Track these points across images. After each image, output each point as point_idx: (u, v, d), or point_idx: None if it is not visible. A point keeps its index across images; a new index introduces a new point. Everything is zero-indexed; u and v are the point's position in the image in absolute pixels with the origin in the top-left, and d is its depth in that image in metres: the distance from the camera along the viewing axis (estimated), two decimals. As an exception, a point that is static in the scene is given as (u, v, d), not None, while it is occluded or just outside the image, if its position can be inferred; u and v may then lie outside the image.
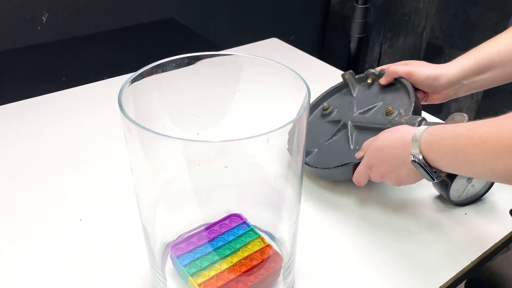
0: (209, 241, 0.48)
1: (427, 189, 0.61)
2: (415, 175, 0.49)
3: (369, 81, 0.67)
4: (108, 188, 0.61)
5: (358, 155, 0.56)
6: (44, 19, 1.11)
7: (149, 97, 0.39)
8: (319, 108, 0.69)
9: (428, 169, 0.47)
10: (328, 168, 0.59)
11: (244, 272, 0.45)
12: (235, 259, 0.46)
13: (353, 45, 1.36)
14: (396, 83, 0.65)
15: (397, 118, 0.57)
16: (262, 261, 0.46)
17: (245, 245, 0.47)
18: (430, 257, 0.51)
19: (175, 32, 1.19)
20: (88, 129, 0.73)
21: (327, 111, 0.67)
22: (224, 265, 0.45)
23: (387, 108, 0.59)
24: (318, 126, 0.67)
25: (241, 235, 0.48)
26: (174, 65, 0.39)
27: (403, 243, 0.53)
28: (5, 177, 0.62)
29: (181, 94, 0.42)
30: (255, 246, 0.47)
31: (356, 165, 0.56)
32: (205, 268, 0.45)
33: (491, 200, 0.60)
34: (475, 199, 0.59)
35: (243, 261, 0.46)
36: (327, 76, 0.90)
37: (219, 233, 0.49)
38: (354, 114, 0.63)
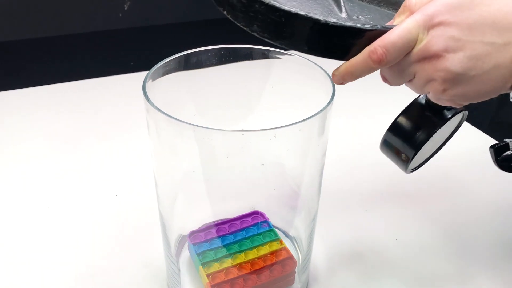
0: (228, 234, 0.48)
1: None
2: (504, 77, 0.29)
3: None
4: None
5: (396, 19, 0.32)
6: (126, 6, 1.18)
7: (177, 87, 0.40)
8: None
9: None
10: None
11: (255, 270, 0.44)
12: (249, 256, 0.45)
13: None
14: None
15: None
16: (275, 263, 0.45)
17: (262, 244, 0.47)
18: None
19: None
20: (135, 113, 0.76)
21: None
22: (237, 260, 0.45)
23: None
24: None
25: (260, 234, 0.48)
26: (208, 55, 0.39)
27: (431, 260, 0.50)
28: (60, 146, 0.67)
29: (210, 87, 0.42)
30: (272, 247, 0.47)
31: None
32: (217, 260, 0.45)
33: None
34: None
35: (256, 259, 0.45)
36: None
37: (240, 228, 0.49)
38: None
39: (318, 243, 0.51)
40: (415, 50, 0.29)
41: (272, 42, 0.29)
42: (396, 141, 0.37)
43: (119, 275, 0.48)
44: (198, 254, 0.45)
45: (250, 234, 0.48)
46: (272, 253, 0.46)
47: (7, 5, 1.05)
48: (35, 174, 0.61)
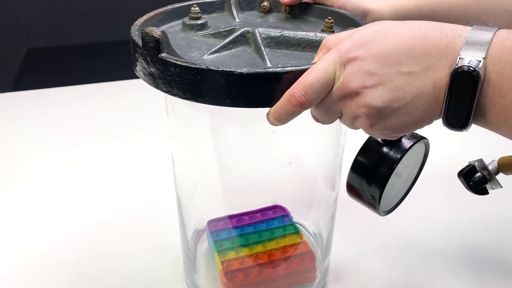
0: (247, 225, 0.47)
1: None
2: (430, 104, 0.27)
3: (265, 3, 0.41)
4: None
5: (315, 57, 0.31)
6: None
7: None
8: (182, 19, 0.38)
9: (474, 93, 0.26)
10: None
11: (271, 261, 0.43)
12: (267, 247, 0.44)
13: None
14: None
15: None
16: (292, 256, 0.44)
17: (281, 236, 0.46)
18: None
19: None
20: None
21: (199, 21, 0.37)
22: (254, 250, 0.44)
23: (327, 21, 0.35)
24: (186, 40, 0.36)
25: (280, 227, 0.47)
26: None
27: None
28: (88, 138, 0.69)
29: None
30: (291, 240, 0.45)
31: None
32: (234, 248, 0.44)
33: None
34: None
35: (274, 250, 0.44)
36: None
37: (260, 220, 0.48)
38: (263, 21, 0.39)
39: (341, 242, 0.49)
40: (335, 88, 0.28)
41: (194, 102, 0.29)
42: (359, 182, 0.36)
43: (137, 259, 0.48)
44: (215, 242, 0.45)
45: (270, 226, 0.47)
46: (290, 246, 0.44)
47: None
48: (76, 163, 0.64)
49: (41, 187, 0.59)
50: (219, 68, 0.27)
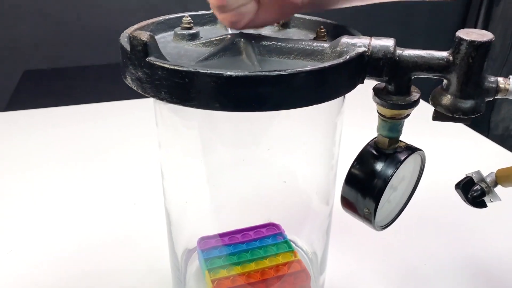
0: (240, 243, 0.45)
1: None
2: None
3: None
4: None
5: None
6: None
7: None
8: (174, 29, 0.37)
9: None
10: None
11: (264, 280, 0.41)
12: (259, 265, 0.43)
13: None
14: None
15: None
16: (286, 274, 0.42)
17: (275, 255, 0.44)
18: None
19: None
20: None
21: (190, 31, 0.35)
22: (246, 268, 0.42)
23: (320, 30, 0.35)
24: (176, 49, 0.35)
25: (273, 245, 0.45)
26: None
27: None
28: (86, 159, 0.68)
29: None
30: (285, 258, 0.44)
31: None
32: (225, 267, 0.42)
33: None
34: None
35: (267, 269, 0.42)
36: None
37: (253, 238, 0.46)
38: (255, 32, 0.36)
39: (337, 260, 0.48)
40: None
41: (183, 106, 0.28)
42: (354, 195, 0.35)
43: (125, 279, 0.46)
44: (205, 260, 0.43)
45: (263, 244, 0.45)
46: (284, 264, 0.43)
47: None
48: (66, 181, 0.62)
49: (30, 205, 0.57)
50: (207, 70, 0.26)
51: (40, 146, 0.71)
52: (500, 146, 0.72)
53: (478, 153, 0.71)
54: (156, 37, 0.37)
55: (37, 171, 0.64)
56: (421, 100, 0.31)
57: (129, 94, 0.93)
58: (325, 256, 0.43)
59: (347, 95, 0.37)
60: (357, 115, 0.58)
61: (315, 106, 0.33)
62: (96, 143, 0.72)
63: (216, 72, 0.26)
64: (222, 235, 0.46)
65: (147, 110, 0.82)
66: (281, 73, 0.26)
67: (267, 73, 0.26)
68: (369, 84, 0.32)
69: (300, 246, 0.46)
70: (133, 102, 0.86)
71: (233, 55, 0.33)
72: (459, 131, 0.77)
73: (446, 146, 0.70)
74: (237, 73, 0.26)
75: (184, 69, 0.26)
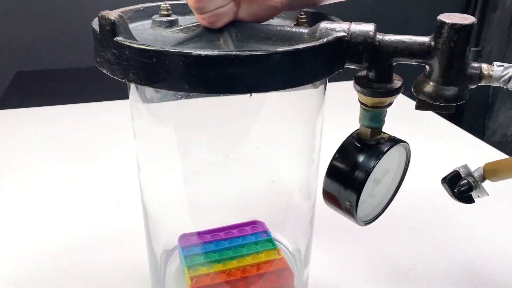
0: (222, 240, 0.44)
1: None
2: None
3: None
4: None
5: None
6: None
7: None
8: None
9: None
10: None
11: (245, 277, 0.40)
12: (241, 263, 0.41)
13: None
14: None
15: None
16: (268, 272, 0.41)
17: (258, 252, 0.43)
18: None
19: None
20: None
21: (169, 18, 0.34)
22: (227, 266, 0.41)
23: (300, 16, 0.34)
24: (153, 35, 0.34)
25: (256, 242, 0.44)
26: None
27: None
28: (70, 155, 0.67)
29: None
30: (268, 256, 0.42)
31: None
32: (205, 264, 0.41)
33: None
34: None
35: (248, 267, 0.41)
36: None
37: (235, 235, 0.45)
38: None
39: (321, 260, 0.46)
40: None
41: (152, 88, 0.27)
42: (335, 188, 0.33)
43: (105, 278, 0.45)
44: (185, 257, 0.42)
45: (246, 242, 0.44)
46: (266, 262, 0.41)
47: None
48: (50, 179, 0.61)
49: (12, 202, 0.56)
50: (175, 49, 0.25)
51: (26, 145, 0.70)
52: (496, 149, 0.71)
53: (474, 155, 0.70)
54: (134, 24, 0.36)
55: (23, 169, 0.63)
56: (414, 104, 0.30)
57: (118, 95, 0.92)
58: (309, 251, 0.41)
59: (329, 88, 0.36)
60: (341, 110, 0.57)
61: (295, 96, 0.32)
62: (84, 142, 0.71)
63: (185, 51, 0.25)
64: (204, 233, 0.45)
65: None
66: (252, 53, 0.25)
67: (238, 53, 0.25)
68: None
69: (284, 244, 0.45)
70: (121, 102, 0.85)
71: (209, 40, 0.32)
72: (454, 133, 0.75)
73: (438, 148, 0.69)
74: (206, 53, 0.25)
75: (152, 48, 0.25)
